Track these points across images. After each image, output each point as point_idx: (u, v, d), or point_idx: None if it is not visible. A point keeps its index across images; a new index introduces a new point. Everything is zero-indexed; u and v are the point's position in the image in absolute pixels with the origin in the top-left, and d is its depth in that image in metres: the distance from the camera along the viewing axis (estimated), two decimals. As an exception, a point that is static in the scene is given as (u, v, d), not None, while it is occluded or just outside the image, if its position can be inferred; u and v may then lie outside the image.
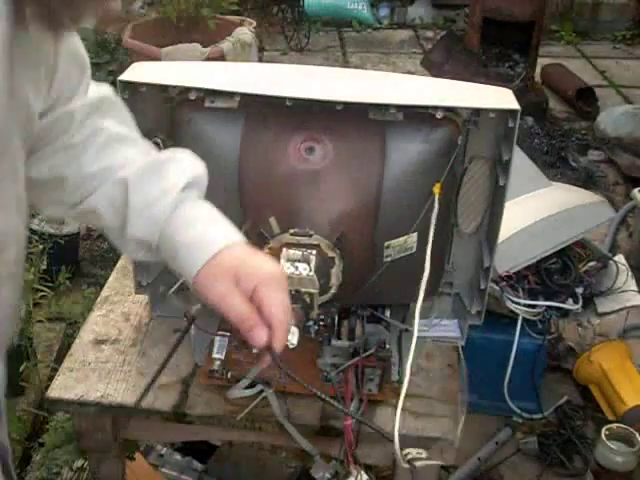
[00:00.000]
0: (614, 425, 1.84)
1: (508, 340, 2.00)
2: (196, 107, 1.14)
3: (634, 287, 2.19)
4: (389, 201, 1.13)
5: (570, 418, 2.11)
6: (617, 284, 2.17)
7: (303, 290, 1.03)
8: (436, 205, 1.13)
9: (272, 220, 1.09)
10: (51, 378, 1.30)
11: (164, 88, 1.17)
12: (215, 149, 1.14)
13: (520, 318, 1.97)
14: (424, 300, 1.27)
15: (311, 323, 1.15)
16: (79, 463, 1.69)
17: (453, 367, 1.34)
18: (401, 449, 1.11)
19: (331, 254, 1.09)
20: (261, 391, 1.22)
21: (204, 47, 3.41)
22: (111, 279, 1.51)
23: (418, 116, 1.13)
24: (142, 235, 0.92)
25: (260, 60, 4.24)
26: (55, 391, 1.25)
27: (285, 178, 1.12)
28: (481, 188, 1.23)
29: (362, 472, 1.16)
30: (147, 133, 1.20)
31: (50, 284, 2.19)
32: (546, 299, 1.97)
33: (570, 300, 2.01)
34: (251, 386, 1.23)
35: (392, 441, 1.09)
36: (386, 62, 4.71)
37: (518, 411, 2.12)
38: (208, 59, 3.34)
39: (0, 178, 0.69)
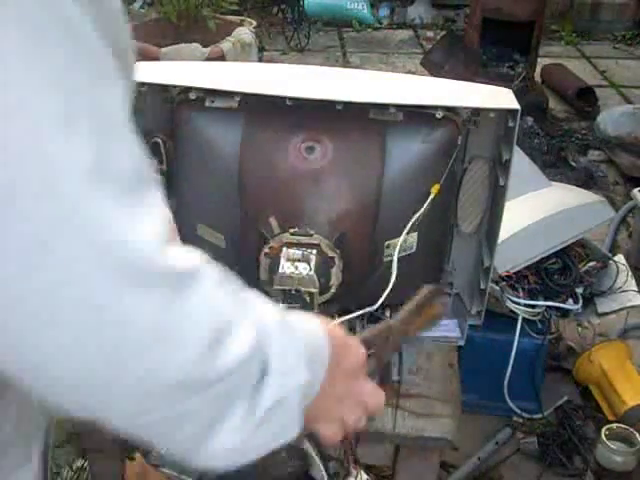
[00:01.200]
0: (614, 425, 1.84)
1: (508, 340, 2.00)
2: (196, 107, 1.14)
3: (634, 287, 2.19)
4: (389, 200, 1.13)
5: (570, 418, 2.11)
6: (617, 284, 2.17)
7: (303, 289, 1.03)
8: (425, 205, 1.13)
9: (272, 220, 1.09)
10: (51, 378, 1.30)
11: (164, 88, 1.17)
12: (215, 149, 1.14)
13: (520, 318, 1.97)
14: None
15: (311, 323, 1.15)
16: (79, 463, 1.69)
17: (453, 367, 1.34)
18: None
19: (331, 254, 1.09)
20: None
21: (204, 47, 3.41)
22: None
23: (418, 116, 1.13)
24: None
25: (260, 60, 4.24)
26: (55, 391, 1.25)
27: (285, 178, 1.12)
28: (481, 188, 1.23)
29: (362, 472, 1.16)
30: (147, 133, 1.21)
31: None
32: (546, 299, 1.97)
33: (570, 300, 2.02)
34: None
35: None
36: (386, 62, 4.71)
37: (518, 411, 2.12)
38: (208, 59, 3.34)
39: None
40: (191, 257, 0.58)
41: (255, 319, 0.62)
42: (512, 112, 1.13)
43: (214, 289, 0.59)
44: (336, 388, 0.75)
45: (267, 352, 0.62)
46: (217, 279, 0.60)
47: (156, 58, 3.29)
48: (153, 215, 0.55)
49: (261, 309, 0.65)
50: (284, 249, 1.07)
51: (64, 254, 0.50)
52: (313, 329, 0.71)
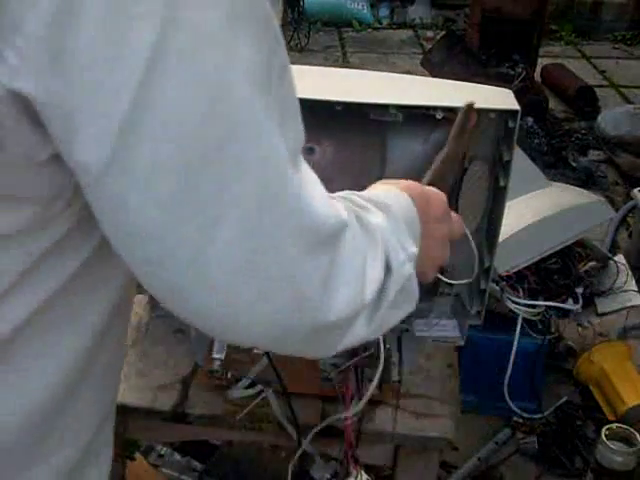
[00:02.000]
0: (614, 425, 1.84)
1: (508, 340, 2.00)
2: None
3: (634, 287, 2.19)
4: (389, 201, 1.13)
5: (570, 418, 2.11)
6: (617, 284, 2.17)
7: (303, 290, 1.03)
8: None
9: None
10: (51, 378, 1.30)
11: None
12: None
13: (520, 318, 1.97)
14: (424, 301, 1.27)
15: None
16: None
17: (453, 367, 1.34)
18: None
19: (331, 254, 1.10)
20: (261, 391, 1.23)
21: (204, 47, 3.41)
22: (111, 279, 1.51)
23: (418, 116, 1.13)
24: None
25: (260, 60, 4.24)
26: (55, 391, 1.25)
27: (285, 178, 1.12)
28: (481, 188, 1.23)
29: (362, 472, 1.16)
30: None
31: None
32: (546, 299, 1.97)
33: (570, 300, 2.02)
34: (251, 386, 1.23)
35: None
36: (386, 62, 4.71)
37: (518, 411, 2.12)
38: (208, 59, 3.34)
39: None
40: (340, 209, 0.66)
41: (379, 237, 0.70)
42: (512, 113, 1.13)
43: (357, 235, 0.67)
44: (434, 237, 0.84)
45: (389, 258, 0.71)
46: (356, 222, 0.68)
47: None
48: (315, 178, 0.65)
49: (376, 222, 0.72)
50: (284, 249, 1.07)
51: (269, 220, 0.57)
52: (403, 203, 0.79)
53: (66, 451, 0.71)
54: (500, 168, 1.19)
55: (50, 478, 0.70)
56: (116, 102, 0.49)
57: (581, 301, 2.04)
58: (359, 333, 0.70)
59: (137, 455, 1.73)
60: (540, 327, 2.02)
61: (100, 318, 0.67)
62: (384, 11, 5.41)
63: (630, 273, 2.21)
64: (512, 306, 1.95)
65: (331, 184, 1.12)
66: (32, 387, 0.64)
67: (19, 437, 0.65)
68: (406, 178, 1.14)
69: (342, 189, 1.13)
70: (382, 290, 0.70)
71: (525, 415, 2.13)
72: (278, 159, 0.57)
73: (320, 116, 1.13)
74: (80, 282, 0.62)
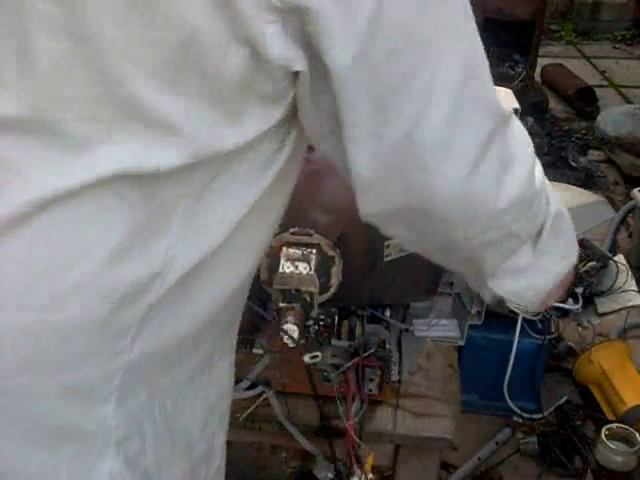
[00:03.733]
0: (614, 425, 1.84)
1: (508, 340, 2.00)
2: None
3: (634, 287, 2.19)
4: (389, 201, 1.12)
5: (570, 418, 2.11)
6: (617, 284, 2.18)
7: (303, 289, 1.03)
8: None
9: (272, 220, 1.09)
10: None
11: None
12: (215, 149, 1.13)
13: (520, 318, 1.97)
14: (424, 300, 1.27)
15: (311, 323, 1.15)
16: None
17: (453, 367, 1.34)
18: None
19: (331, 253, 1.09)
20: (262, 392, 1.22)
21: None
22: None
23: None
24: None
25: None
26: (55, 391, 1.25)
27: (285, 178, 1.12)
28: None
29: (367, 471, 1.16)
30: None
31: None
32: (546, 299, 1.97)
33: (570, 300, 2.01)
34: (251, 387, 1.23)
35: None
36: (386, 62, 4.70)
37: (518, 411, 2.12)
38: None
39: None
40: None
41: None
42: (512, 111, 1.13)
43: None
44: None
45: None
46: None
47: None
48: None
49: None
50: (284, 248, 1.07)
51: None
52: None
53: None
54: (500, 167, 1.19)
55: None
56: (363, 8, 0.60)
57: (581, 301, 2.03)
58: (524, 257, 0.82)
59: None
60: (540, 327, 2.02)
61: (275, 220, 0.77)
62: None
63: (630, 273, 2.21)
64: (512, 306, 1.94)
65: (330, 180, 1.12)
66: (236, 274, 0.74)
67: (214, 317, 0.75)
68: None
69: (342, 187, 1.13)
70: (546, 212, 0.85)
71: (525, 415, 2.12)
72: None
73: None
74: (277, 182, 0.72)
